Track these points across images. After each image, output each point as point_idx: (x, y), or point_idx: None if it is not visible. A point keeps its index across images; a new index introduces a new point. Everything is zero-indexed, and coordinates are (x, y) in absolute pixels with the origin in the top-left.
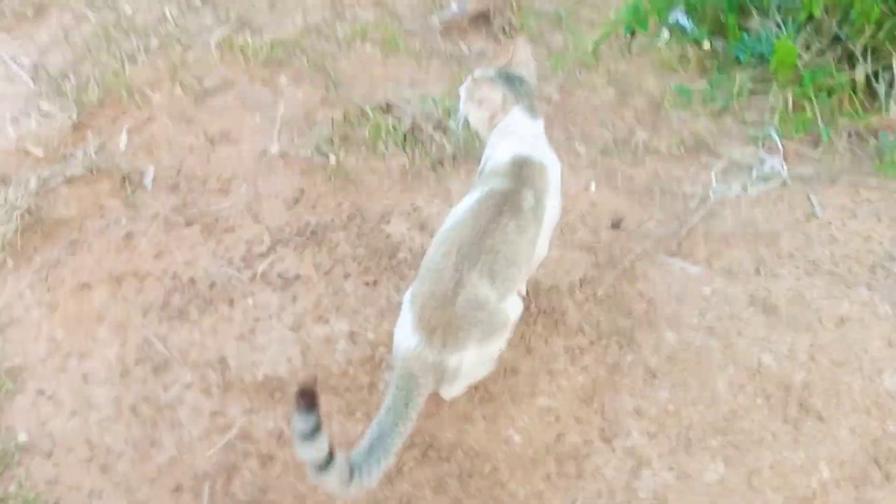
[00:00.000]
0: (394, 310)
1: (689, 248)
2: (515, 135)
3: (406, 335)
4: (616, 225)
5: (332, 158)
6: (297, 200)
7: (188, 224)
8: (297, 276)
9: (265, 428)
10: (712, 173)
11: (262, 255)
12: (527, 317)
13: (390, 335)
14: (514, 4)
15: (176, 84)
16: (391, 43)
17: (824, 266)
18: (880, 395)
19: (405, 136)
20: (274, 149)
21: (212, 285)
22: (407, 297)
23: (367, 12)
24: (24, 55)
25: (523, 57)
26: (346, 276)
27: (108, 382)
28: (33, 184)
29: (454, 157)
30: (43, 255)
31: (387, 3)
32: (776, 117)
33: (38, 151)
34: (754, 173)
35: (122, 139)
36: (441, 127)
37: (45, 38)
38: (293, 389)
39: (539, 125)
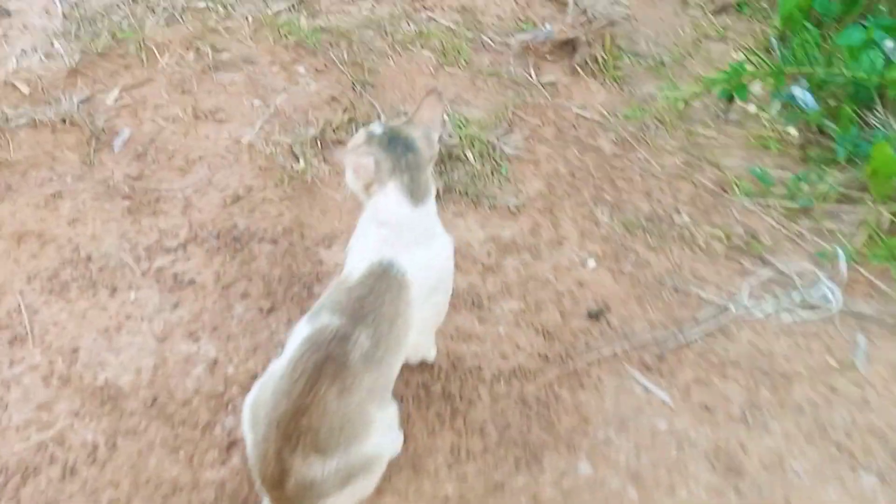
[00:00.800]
0: (272, 349)
1: (670, 367)
2: (386, 225)
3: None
4: (594, 315)
5: (301, 163)
6: (237, 199)
7: (124, 197)
8: (192, 282)
9: (82, 438)
10: (746, 282)
11: (169, 250)
12: (424, 394)
13: (250, 376)
14: (609, 40)
15: (191, 50)
16: (453, 53)
17: (835, 433)
18: None
19: None
20: (246, 138)
21: (102, 268)
22: (247, 406)
23: (446, 16)
24: None
25: (428, 117)
26: (245, 295)
27: None
28: None
29: (440, 194)
30: None
31: (474, 11)
32: (860, 235)
33: (25, 89)
34: (798, 296)
35: (113, 95)
36: (451, 156)
37: None
38: (127, 405)
39: (422, 214)
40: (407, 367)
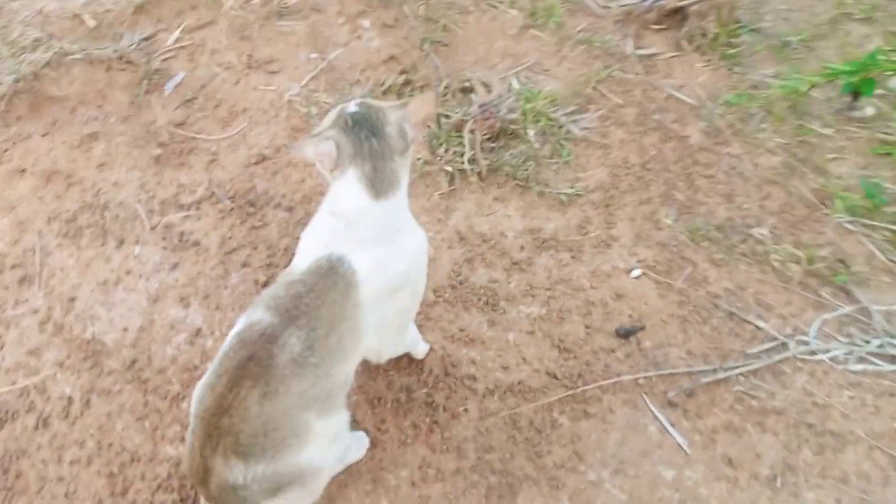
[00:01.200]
0: None
1: (698, 407)
2: (340, 217)
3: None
4: (624, 334)
5: None
6: (262, 159)
7: (159, 144)
8: (197, 243)
9: (61, 390)
10: (818, 317)
11: (182, 207)
12: (405, 399)
13: None
14: (726, 12)
15: None
16: (543, 14)
17: None
18: None
19: (453, 128)
20: (289, 94)
21: (115, 218)
22: (196, 389)
23: None
24: None
25: (413, 110)
26: (245, 264)
27: None
28: (48, 54)
29: (483, 174)
30: (21, 126)
31: None
32: None
33: (91, 22)
34: (878, 341)
35: (174, 35)
36: (507, 132)
37: None
38: (107, 363)
39: (385, 208)
40: (392, 367)
